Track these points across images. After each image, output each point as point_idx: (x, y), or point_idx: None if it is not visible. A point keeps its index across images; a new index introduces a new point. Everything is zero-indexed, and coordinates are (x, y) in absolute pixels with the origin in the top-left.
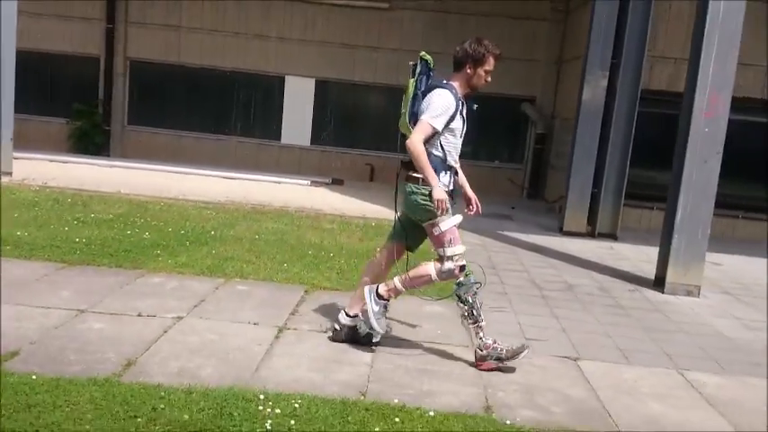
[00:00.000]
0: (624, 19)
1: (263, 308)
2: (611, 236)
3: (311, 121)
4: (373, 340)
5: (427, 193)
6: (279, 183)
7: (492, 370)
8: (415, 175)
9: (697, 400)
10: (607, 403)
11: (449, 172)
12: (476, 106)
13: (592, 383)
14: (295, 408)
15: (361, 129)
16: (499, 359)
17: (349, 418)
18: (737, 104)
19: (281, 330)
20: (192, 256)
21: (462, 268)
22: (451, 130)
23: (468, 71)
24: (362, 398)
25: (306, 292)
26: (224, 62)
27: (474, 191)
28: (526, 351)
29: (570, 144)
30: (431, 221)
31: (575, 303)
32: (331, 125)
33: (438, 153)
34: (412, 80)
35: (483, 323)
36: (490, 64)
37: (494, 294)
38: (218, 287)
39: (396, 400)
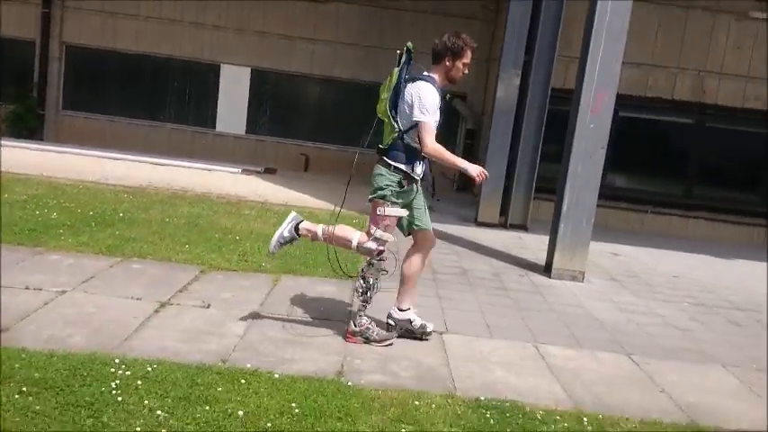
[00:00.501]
0: (537, 19)
1: (153, 285)
2: (522, 227)
3: (246, 110)
4: (428, 329)
5: (395, 180)
6: (209, 170)
7: (356, 343)
8: (386, 159)
9: (541, 369)
10: (454, 370)
11: (423, 162)
12: (448, 96)
13: (447, 353)
14: (147, 371)
15: (296, 119)
16: (367, 340)
17: (198, 380)
18: (649, 104)
19: (162, 305)
20: (95, 236)
21: (380, 253)
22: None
23: (447, 63)
24: (221, 364)
25: (201, 271)
26: (159, 49)
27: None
28: (392, 341)
29: (485, 139)
30: (382, 200)
31: (463, 286)
32: (267, 115)
33: (415, 144)
34: (396, 69)
35: (369, 305)
36: (468, 57)
37: (388, 276)
38: (113, 265)
39: (248, 365)
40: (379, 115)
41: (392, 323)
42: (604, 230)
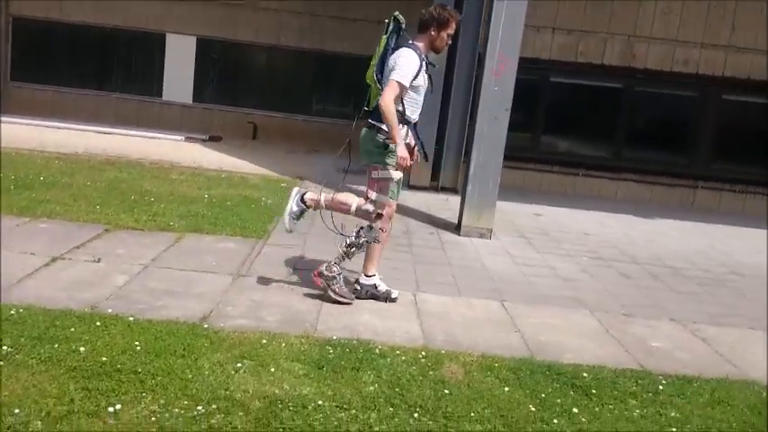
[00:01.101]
0: None
1: (52, 242)
2: (453, 190)
3: (193, 78)
4: (392, 296)
5: (380, 140)
6: (152, 138)
7: (318, 286)
8: (371, 122)
9: (409, 314)
10: (323, 315)
11: (407, 126)
12: (436, 66)
13: (322, 299)
14: (11, 314)
15: (244, 87)
16: (328, 287)
17: (57, 323)
18: (580, 70)
19: (54, 260)
20: (9, 200)
21: (379, 216)
22: (415, 88)
23: (433, 33)
24: (88, 310)
25: (105, 230)
26: (105, 19)
27: (355, 150)
28: (351, 302)
29: None
30: (374, 164)
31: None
32: (213, 83)
33: (398, 108)
34: (384, 36)
35: (348, 260)
36: (452, 28)
37: (298, 234)
38: (19, 225)
39: (109, 310)
40: (367, 80)
41: (358, 288)
42: (537, 193)
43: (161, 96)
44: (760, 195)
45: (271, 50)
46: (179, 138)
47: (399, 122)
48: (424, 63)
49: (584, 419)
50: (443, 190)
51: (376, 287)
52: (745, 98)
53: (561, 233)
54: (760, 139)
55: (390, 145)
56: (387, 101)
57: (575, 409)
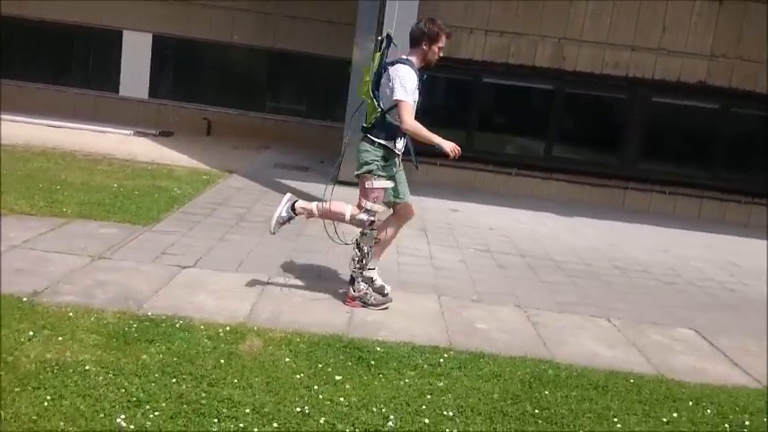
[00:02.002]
0: None
1: None
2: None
3: (149, 75)
4: (385, 291)
5: (379, 155)
6: (102, 132)
7: (355, 307)
8: (370, 137)
9: (248, 295)
10: (157, 294)
11: (403, 138)
12: (426, 76)
13: (170, 282)
14: None
15: (198, 84)
16: (365, 304)
17: None
18: (512, 71)
19: None
20: None
21: (372, 224)
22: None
23: (424, 48)
24: None
25: None
26: (63, 16)
27: (307, 147)
28: (389, 303)
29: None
30: (367, 174)
31: (254, 231)
32: (169, 80)
33: (396, 122)
34: (378, 54)
35: (365, 273)
36: (443, 41)
37: (189, 223)
38: None
39: None
40: (363, 96)
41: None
42: (470, 191)
43: (118, 92)
44: (690, 197)
45: (224, 48)
46: (128, 132)
47: (398, 136)
48: (418, 77)
49: (348, 387)
50: None
51: (372, 281)
52: (675, 100)
53: (465, 228)
54: (689, 141)
55: (389, 158)
56: (411, 123)
57: (338, 377)
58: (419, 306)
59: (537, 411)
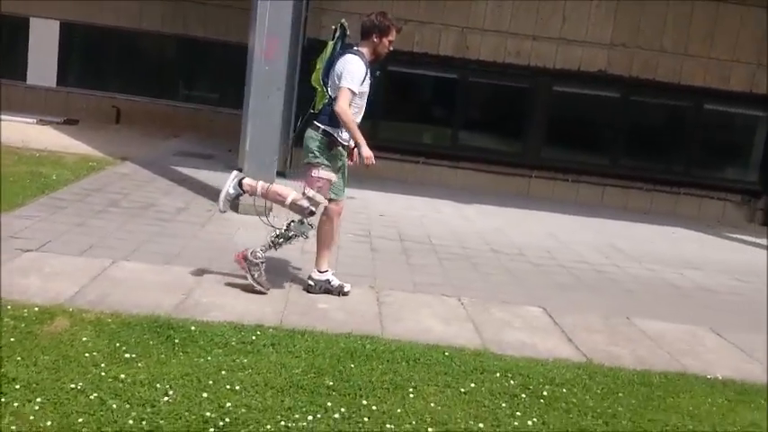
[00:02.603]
0: None
1: None
2: (281, 174)
3: (56, 62)
4: (345, 290)
5: (323, 142)
6: (5, 120)
7: (241, 267)
8: (317, 123)
9: (85, 278)
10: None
11: None
12: (378, 72)
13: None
14: None
15: (107, 72)
16: (249, 271)
17: None
18: (417, 60)
19: None
20: None
21: (311, 213)
22: (360, 93)
23: (375, 40)
24: None
25: None
26: None
27: (218, 135)
28: (266, 292)
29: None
30: (315, 163)
31: (128, 217)
32: (77, 67)
33: None
34: (331, 42)
35: (273, 250)
36: (393, 35)
37: (51, 207)
38: None
39: None
40: (313, 83)
41: (312, 283)
42: (375, 180)
43: (25, 80)
44: (592, 185)
45: (133, 35)
46: (31, 120)
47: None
48: (368, 69)
49: (140, 365)
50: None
51: (329, 282)
52: (576, 89)
53: (356, 214)
54: (591, 130)
55: (334, 148)
56: (343, 108)
57: (131, 355)
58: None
59: (333, 384)
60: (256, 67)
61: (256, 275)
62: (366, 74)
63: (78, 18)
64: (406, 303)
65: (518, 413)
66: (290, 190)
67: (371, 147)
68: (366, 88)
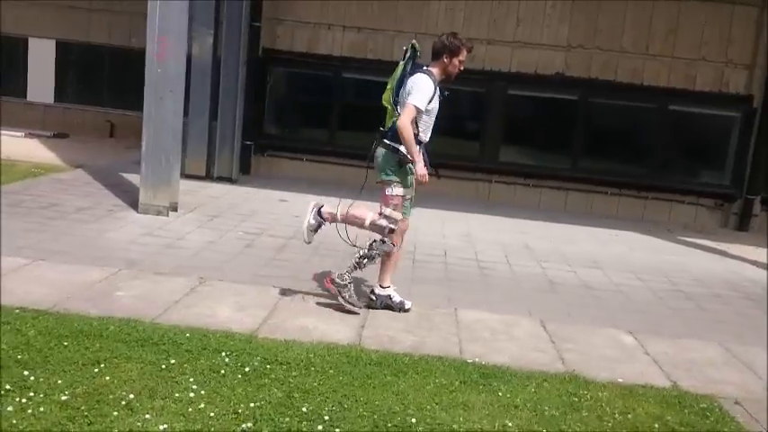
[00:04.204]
0: None
1: None
2: (229, 179)
3: (53, 79)
4: (405, 306)
5: (394, 159)
6: None
7: (330, 291)
8: (386, 141)
9: None
10: None
11: (420, 146)
12: (447, 93)
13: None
14: None
15: (101, 87)
16: (340, 293)
17: None
18: (370, 66)
19: None
20: None
21: (391, 231)
22: (429, 111)
23: (445, 60)
24: None
25: None
26: None
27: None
28: (358, 312)
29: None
30: (389, 181)
31: (21, 214)
32: (73, 84)
33: (414, 130)
34: (402, 62)
35: (359, 270)
36: (463, 55)
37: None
38: None
39: None
40: (384, 103)
41: (374, 297)
42: (332, 185)
43: (26, 97)
44: (554, 189)
45: (124, 52)
46: (19, 134)
47: (415, 143)
48: (437, 88)
49: None
50: (220, 179)
51: (390, 297)
52: (531, 93)
53: (270, 215)
54: (551, 134)
55: (404, 164)
56: (405, 122)
57: None
58: (109, 281)
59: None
60: (149, 69)
61: (347, 296)
62: (435, 93)
63: (73, 37)
64: (211, 293)
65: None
66: (366, 211)
67: (330, 152)
68: (435, 106)
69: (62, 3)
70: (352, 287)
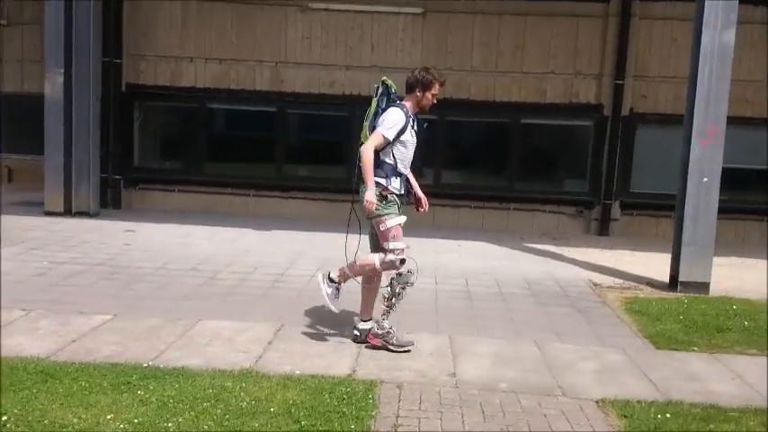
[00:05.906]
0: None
1: None
2: (87, 213)
3: None
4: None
5: (377, 193)
6: None
7: (376, 347)
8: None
9: None
10: None
11: (399, 178)
12: (426, 124)
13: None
14: None
15: None
16: (387, 343)
17: None
18: (234, 96)
19: None
20: None
21: (402, 261)
22: (403, 143)
23: (418, 94)
24: None
25: None
26: None
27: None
28: (411, 347)
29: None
30: (378, 217)
31: None
32: None
33: (390, 161)
34: (375, 99)
35: (392, 311)
36: (436, 89)
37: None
38: None
39: None
40: (362, 139)
41: (357, 333)
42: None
43: None
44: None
45: (18, 98)
46: None
47: (393, 175)
48: (410, 120)
49: None
50: (79, 214)
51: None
52: None
53: (99, 244)
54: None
55: (388, 196)
56: (367, 147)
57: None
58: None
59: None
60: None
61: (395, 341)
62: (407, 124)
63: None
64: None
65: None
66: (372, 256)
67: (200, 182)
68: (409, 138)
69: None
70: (394, 331)
